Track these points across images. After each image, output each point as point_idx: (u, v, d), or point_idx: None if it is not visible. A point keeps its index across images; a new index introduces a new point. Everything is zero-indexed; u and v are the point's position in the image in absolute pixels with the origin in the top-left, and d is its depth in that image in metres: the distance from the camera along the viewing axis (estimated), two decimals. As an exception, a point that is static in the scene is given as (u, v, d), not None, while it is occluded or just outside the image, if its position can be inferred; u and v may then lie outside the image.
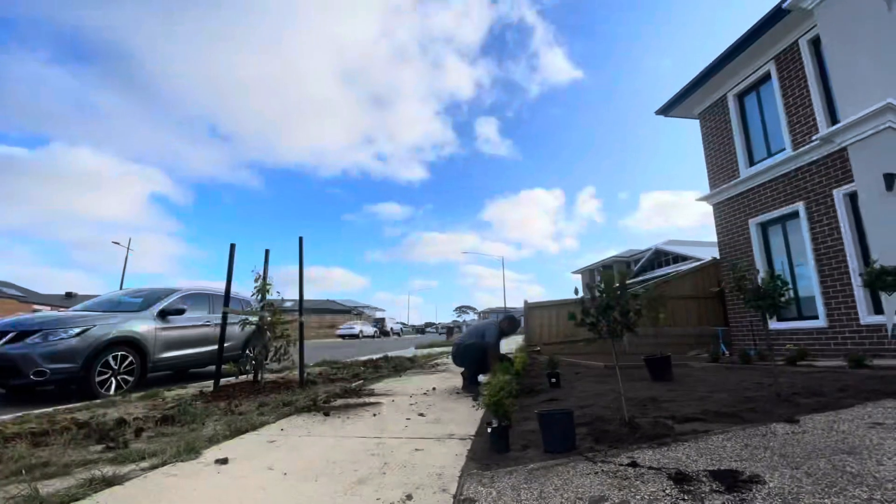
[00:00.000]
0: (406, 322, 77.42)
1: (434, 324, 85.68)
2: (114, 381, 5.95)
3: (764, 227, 9.84)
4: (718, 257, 11.36)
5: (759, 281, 3.99)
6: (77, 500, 2.03)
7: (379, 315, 72.56)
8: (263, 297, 6.42)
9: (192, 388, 5.97)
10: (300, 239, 6.41)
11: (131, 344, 6.26)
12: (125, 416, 4.09)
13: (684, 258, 32.21)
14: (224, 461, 2.54)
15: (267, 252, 6.64)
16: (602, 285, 2.88)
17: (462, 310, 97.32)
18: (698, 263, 13.32)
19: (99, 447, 3.03)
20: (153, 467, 2.49)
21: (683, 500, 1.72)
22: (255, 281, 6.44)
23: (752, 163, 10.17)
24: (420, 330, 70.82)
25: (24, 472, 2.46)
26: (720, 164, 10.97)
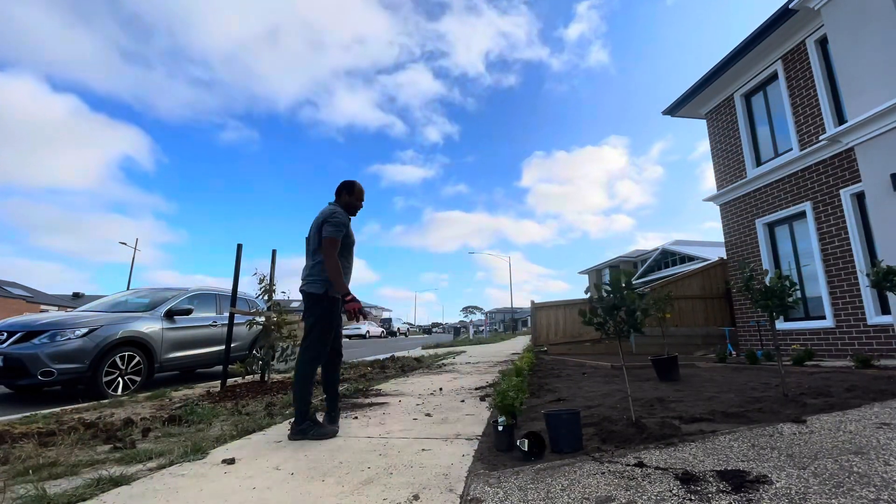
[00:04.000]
0: (413, 322, 77.45)
1: (441, 324, 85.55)
2: (121, 382, 5.99)
3: (771, 228, 9.79)
4: (725, 257, 11.32)
5: (767, 281, 3.97)
6: (84, 500, 2.05)
7: (386, 315, 72.77)
8: (270, 298, 6.44)
9: (198, 389, 6.01)
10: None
11: (138, 344, 6.29)
12: (132, 416, 4.13)
13: (691, 258, 32.11)
14: (231, 461, 2.55)
15: (274, 252, 6.67)
16: (610, 286, 2.87)
17: (469, 310, 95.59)
18: (705, 263, 13.27)
19: (106, 447, 3.05)
20: (160, 467, 2.51)
21: (690, 500, 1.72)
22: (260, 282, 6.45)
23: (759, 163, 10.12)
24: (427, 330, 70.95)
25: (31, 472, 2.48)
26: (727, 165, 10.92)
